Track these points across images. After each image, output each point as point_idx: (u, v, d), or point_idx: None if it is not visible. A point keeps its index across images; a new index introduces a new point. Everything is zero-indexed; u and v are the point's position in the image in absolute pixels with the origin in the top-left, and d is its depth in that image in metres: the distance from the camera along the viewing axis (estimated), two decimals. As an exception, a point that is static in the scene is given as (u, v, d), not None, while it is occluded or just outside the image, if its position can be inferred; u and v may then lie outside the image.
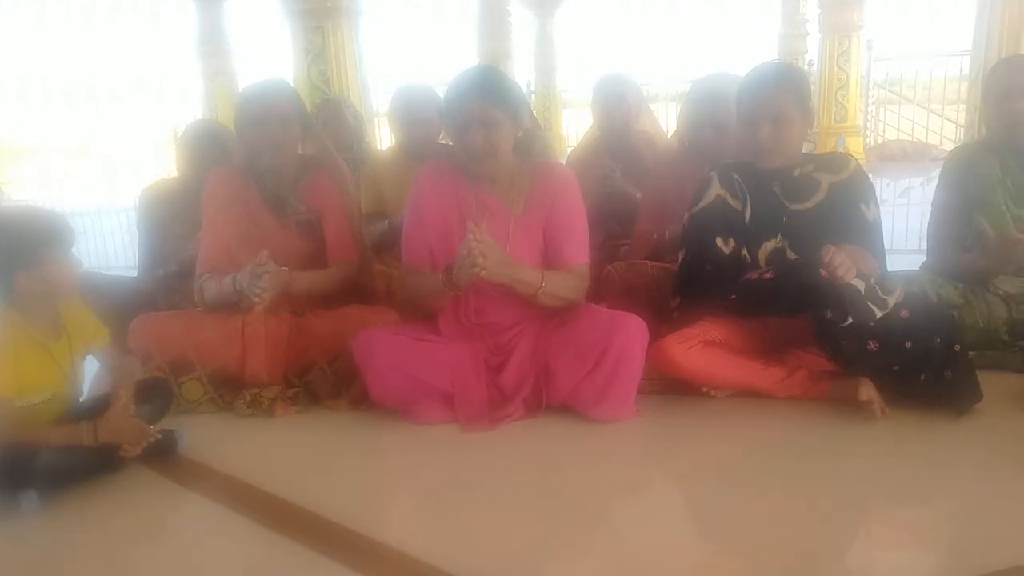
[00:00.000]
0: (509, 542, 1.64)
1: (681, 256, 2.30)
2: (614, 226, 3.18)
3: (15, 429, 1.88)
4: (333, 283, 2.57)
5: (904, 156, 8.81)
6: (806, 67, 9.32)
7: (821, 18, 8.14)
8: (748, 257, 2.22)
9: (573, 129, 10.55)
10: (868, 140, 9.27)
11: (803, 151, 2.31)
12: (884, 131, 9.67)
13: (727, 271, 2.18)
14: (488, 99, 2.14)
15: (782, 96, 2.13)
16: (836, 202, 2.20)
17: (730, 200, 2.21)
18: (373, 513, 1.79)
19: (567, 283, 2.23)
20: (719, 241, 2.19)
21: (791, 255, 2.20)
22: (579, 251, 2.28)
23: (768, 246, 2.22)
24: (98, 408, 2.01)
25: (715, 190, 2.22)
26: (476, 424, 2.17)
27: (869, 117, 9.38)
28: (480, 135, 2.14)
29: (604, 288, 2.65)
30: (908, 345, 1.99)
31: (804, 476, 1.85)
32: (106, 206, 8.04)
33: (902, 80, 9.45)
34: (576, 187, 2.33)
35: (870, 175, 2.31)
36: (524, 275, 2.14)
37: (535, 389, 2.22)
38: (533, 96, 9.97)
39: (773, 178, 2.22)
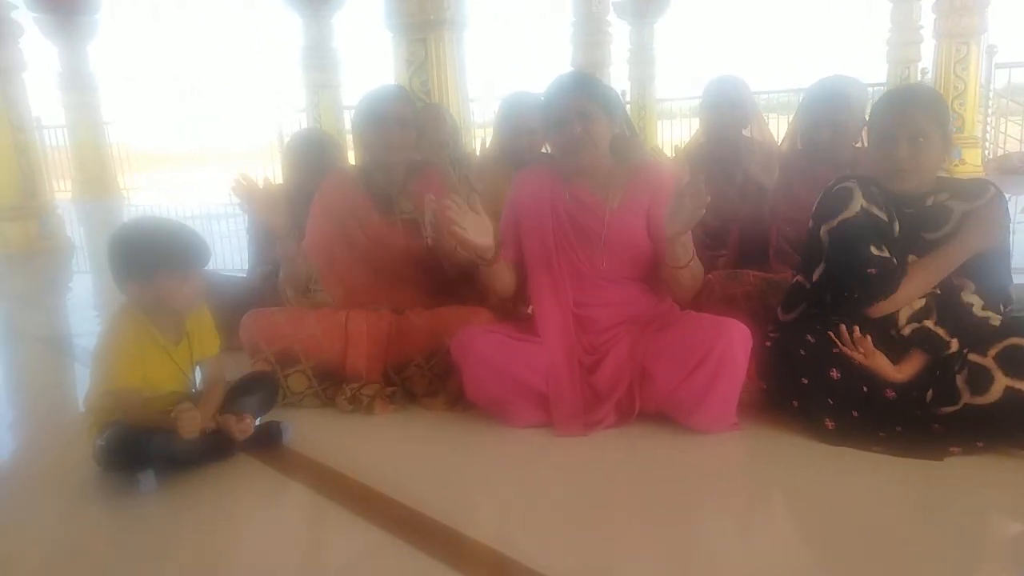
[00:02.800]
0: (598, 547, 1.62)
1: (820, 267, 2.17)
2: (714, 224, 3.10)
3: (136, 416, 2.00)
4: (470, 267, 2.59)
5: (1027, 169, 8.25)
6: (919, 76, 8.88)
7: (937, 23, 7.74)
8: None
9: (668, 139, 10.42)
10: (987, 152, 8.74)
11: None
12: (1005, 143, 9.09)
13: (889, 277, 2.03)
14: (584, 93, 2.21)
15: (924, 115, 2.02)
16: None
17: (875, 210, 2.08)
18: (465, 510, 1.81)
19: (699, 271, 2.25)
20: (874, 249, 2.04)
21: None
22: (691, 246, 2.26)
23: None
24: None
25: (859, 201, 2.08)
26: (569, 428, 2.16)
27: (988, 127, 8.84)
28: (578, 126, 2.19)
29: (703, 297, 2.60)
30: None
31: (925, 491, 1.75)
32: (219, 211, 8.48)
33: (1027, 88, 8.89)
34: (675, 185, 2.30)
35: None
36: (688, 245, 2.16)
37: (629, 393, 2.19)
38: (628, 106, 9.90)
39: (906, 204, 2.11)
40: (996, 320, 2.00)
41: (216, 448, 2.08)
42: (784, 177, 2.69)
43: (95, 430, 2.03)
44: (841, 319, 2.08)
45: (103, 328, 2.07)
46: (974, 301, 2.02)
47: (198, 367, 2.25)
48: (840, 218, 2.09)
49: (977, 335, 2.00)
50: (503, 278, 2.33)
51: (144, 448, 1.93)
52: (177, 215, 8.74)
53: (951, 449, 1.93)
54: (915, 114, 2.02)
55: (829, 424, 2.06)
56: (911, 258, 2.07)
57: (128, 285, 2.04)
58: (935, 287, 2.04)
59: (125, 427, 1.97)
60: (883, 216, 2.08)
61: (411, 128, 2.61)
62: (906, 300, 2.03)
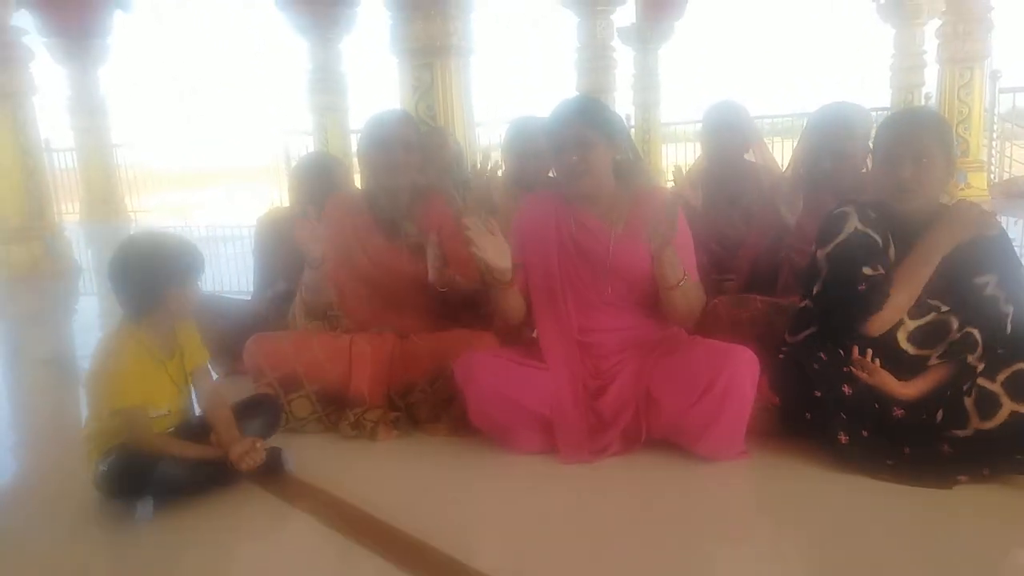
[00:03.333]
0: (609, 577, 1.59)
1: (817, 290, 2.18)
2: (719, 251, 3.10)
3: (156, 439, 2.00)
4: (475, 294, 2.64)
5: (1033, 193, 8.24)
6: (923, 100, 8.90)
7: (940, 49, 7.77)
8: None
9: (673, 163, 10.43)
10: (992, 176, 8.73)
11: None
12: (1010, 167, 9.08)
13: (880, 294, 2.04)
14: (583, 121, 2.21)
15: (928, 136, 2.03)
16: (967, 246, 2.05)
17: (871, 232, 2.11)
18: (469, 539, 1.79)
19: (696, 291, 2.24)
20: (867, 270, 2.07)
21: (933, 303, 2.06)
22: (691, 271, 2.25)
23: None
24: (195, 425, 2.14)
25: (853, 223, 2.11)
26: (574, 454, 2.14)
27: (994, 152, 8.84)
28: (575, 154, 2.19)
29: (709, 322, 2.58)
30: None
31: (936, 525, 1.72)
32: (225, 233, 8.51)
33: (1031, 113, 8.89)
34: (680, 211, 2.30)
35: (994, 213, 2.15)
36: (676, 261, 2.13)
37: (635, 420, 2.17)
38: (633, 130, 9.94)
39: (905, 229, 2.11)
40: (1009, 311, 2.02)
41: (218, 476, 2.06)
42: (786, 205, 2.68)
43: (96, 455, 2.01)
44: (845, 340, 2.08)
45: (100, 349, 2.06)
46: (998, 294, 2.03)
47: (191, 380, 2.23)
48: (835, 242, 2.13)
49: (997, 326, 2.01)
50: (516, 303, 2.31)
51: (147, 475, 1.91)
52: (184, 236, 8.77)
53: (959, 478, 1.91)
54: (919, 135, 2.03)
55: (843, 438, 2.02)
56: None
57: (141, 303, 2.03)
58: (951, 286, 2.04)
59: (128, 452, 1.95)
60: (877, 238, 2.10)
61: (415, 152, 2.62)
62: (897, 310, 2.04)
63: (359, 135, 2.73)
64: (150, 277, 2.01)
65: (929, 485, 1.90)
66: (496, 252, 2.15)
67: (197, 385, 2.21)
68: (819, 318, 2.19)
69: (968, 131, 7.75)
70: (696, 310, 2.27)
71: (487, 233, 2.14)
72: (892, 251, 2.11)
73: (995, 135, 8.81)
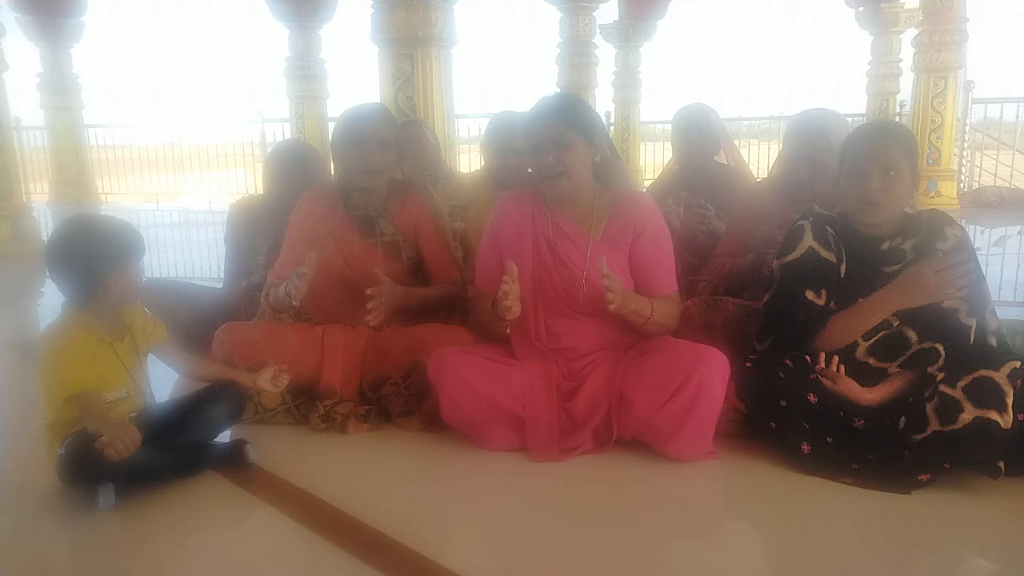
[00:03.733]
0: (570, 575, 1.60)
1: (767, 299, 2.23)
2: (692, 260, 3.12)
3: (106, 418, 1.93)
4: (442, 300, 2.65)
5: (1001, 203, 8.39)
6: (898, 108, 9.03)
7: (917, 58, 7.88)
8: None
9: (651, 162, 10.49)
10: (962, 185, 8.88)
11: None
12: (980, 176, 9.25)
13: (818, 323, 2.11)
14: (561, 120, 2.17)
15: (896, 149, 2.05)
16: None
17: (823, 252, 2.13)
18: (436, 536, 1.78)
19: (669, 311, 2.26)
20: (810, 294, 2.11)
21: (889, 318, 2.09)
22: (669, 280, 2.28)
23: None
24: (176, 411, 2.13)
25: (807, 242, 2.14)
26: (545, 453, 2.14)
27: (964, 161, 9.00)
28: (552, 155, 2.16)
29: (682, 324, 2.59)
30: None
31: (897, 526, 1.75)
32: (197, 218, 8.40)
33: (1001, 123, 9.04)
34: (660, 216, 2.31)
35: (963, 221, 2.19)
36: (639, 306, 2.15)
37: (607, 420, 2.17)
38: (612, 128, 9.96)
39: (862, 246, 2.14)
40: (971, 322, 2.05)
41: (182, 464, 2.04)
42: (760, 209, 2.69)
43: (56, 443, 1.98)
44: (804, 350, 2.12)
45: (45, 338, 2.01)
46: (958, 306, 2.06)
47: (159, 358, 2.23)
48: (789, 257, 2.16)
49: (957, 337, 2.05)
50: (504, 328, 2.29)
51: (105, 459, 1.87)
52: (157, 221, 8.65)
53: (920, 477, 1.94)
54: (887, 148, 2.06)
55: (805, 448, 2.06)
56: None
57: (97, 283, 1.99)
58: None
59: (86, 438, 1.90)
60: (831, 258, 2.12)
61: (391, 150, 2.57)
62: (836, 342, 2.09)
63: (333, 130, 2.67)
64: (87, 262, 1.98)
65: (891, 489, 1.93)
66: (518, 303, 2.11)
67: (167, 360, 2.21)
68: (763, 324, 2.23)
69: (940, 140, 7.87)
70: (672, 324, 2.29)
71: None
72: (843, 268, 2.13)
73: (966, 145, 8.95)
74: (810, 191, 2.53)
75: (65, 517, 1.90)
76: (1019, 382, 1.93)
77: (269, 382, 2.20)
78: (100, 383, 1.99)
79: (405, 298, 2.48)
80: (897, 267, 2.11)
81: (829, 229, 2.15)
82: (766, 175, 3.21)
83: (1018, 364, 1.97)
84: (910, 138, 2.15)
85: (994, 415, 1.88)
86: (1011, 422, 1.89)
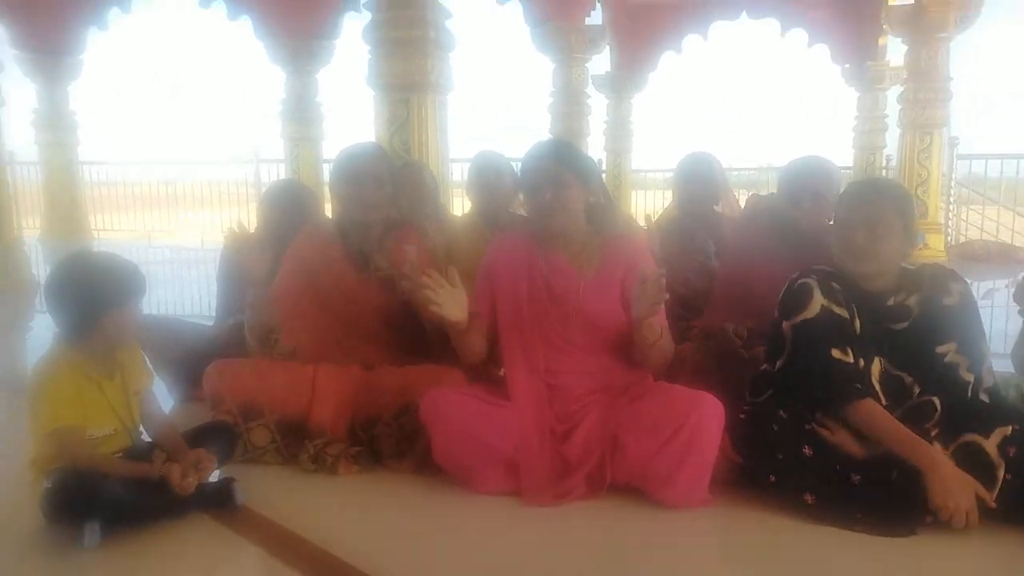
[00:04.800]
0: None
1: (782, 363, 2.18)
2: (687, 303, 3.14)
3: (88, 457, 1.93)
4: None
5: (988, 257, 8.50)
6: (884, 162, 9.19)
7: (902, 114, 8.05)
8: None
9: (642, 210, 10.60)
10: (949, 239, 9.01)
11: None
12: (966, 230, 9.39)
13: (854, 381, 2.06)
14: (558, 161, 2.25)
15: (884, 204, 2.08)
16: (931, 318, 2.11)
17: (836, 309, 2.11)
18: (429, 580, 1.74)
19: (668, 343, 2.28)
20: (836, 352, 2.07)
21: (898, 375, 2.10)
22: (661, 317, 2.27)
23: (877, 365, 2.12)
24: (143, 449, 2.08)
25: (818, 301, 2.11)
26: (538, 498, 2.12)
27: (951, 215, 9.14)
28: (549, 192, 2.22)
29: (676, 367, 2.60)
30: None
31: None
32: (190, 256, 8.38)
33: (986, 179, 9.22)
34: (649, 255, 2.35)
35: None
36: (656, 322, 2.17)
37: (600, 464, 2.15)
38: (604, 175, 10.09)
39: (868, 302, 2.14)
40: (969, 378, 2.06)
41: (170, 504, 1.99)
42: (761, 252, 2.71)
43: (40, 478, 1.94)
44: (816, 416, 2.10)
45: (35, 370, 2.00)
46: (959, 361, 2.08)
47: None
48: (802, 316, 2.13)
49: (955, 391, 2.06)
50: (476, 346, 2.32)
51: (94, 493, 1.84)
52: (149, 258, 8.62)
53: (926, 518, 1.91)
54: (875, 202, 2.09)
55: (808, 499, 2.03)
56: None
57: (76, 325, 1.98)
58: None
59: (70, 473, 1.89)
60: (844, 314, 2.11)
61: (387, 186, 2.61)
62: (865, 427, 2.03)
63: (331, 168, 2.71)
64: (86, 300, 1.96)
65: (897, 534, 1.91)
66: (452, 303, 2.16)
67: (142, 407, 2.16)
68: (782, 386, 2.20)
69: (927, 194, 7.99)
70: (667, 359, 2.30)
71: (445, 284, 2.15)
72: (857, 324, 2.12)
73: (952, 199, 9.11)
74: (814, 224, 2.55)
75: (49, 556, 1.86)
76: (1012, 451, 1.93)
77: (181, 476, 1.95)
78: (84, 420, 1.96)
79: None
80: (904, 324, 2.11)
81: (835, 285, 2.14)
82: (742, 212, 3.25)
83: (1009, 431, 1.96)
84: (902, 195, 2.16)
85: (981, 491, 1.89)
86: (994, 499, 1.89)
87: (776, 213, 2.71)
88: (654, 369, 2.31)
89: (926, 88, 7.77)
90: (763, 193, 3.30)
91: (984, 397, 2.09)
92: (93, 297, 1.96)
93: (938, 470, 1.89)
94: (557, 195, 2.22)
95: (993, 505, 1.89)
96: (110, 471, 1.91)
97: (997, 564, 1.84)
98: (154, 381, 2.21)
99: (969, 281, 2.20)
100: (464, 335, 2.27)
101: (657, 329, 2.19)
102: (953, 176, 8.96)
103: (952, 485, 1.87)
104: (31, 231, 9.49)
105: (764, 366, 2.29)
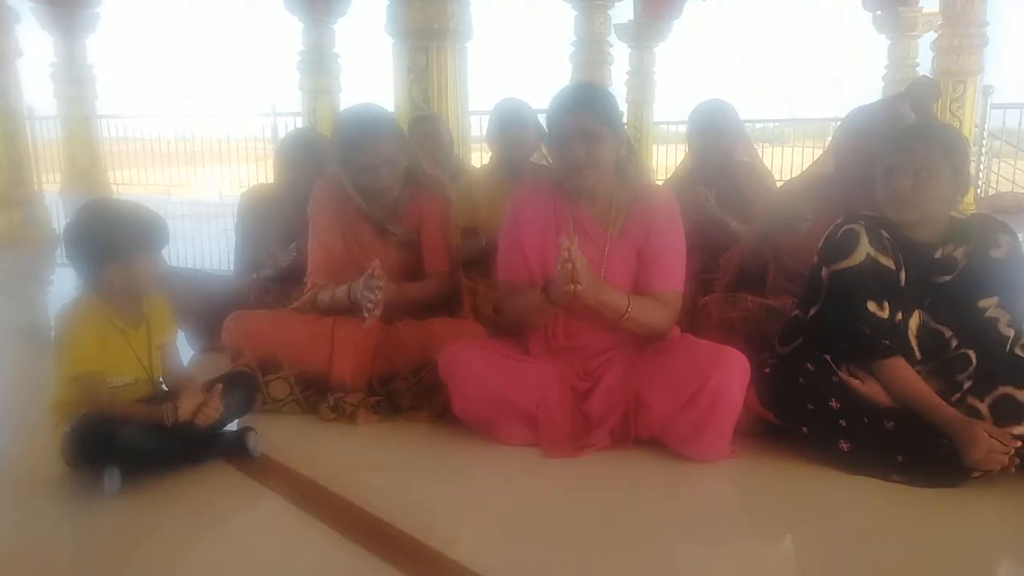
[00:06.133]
0: (581, 574, 1.56)
1: (815, 310, 2.11)
2: (709, 258, 3.07)
3: (106, 402, 1.94)
4: (428, 294, 2.59)
5: (1019, 210, 8.30)
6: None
7: (935, 62, 7.79)
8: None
9: (663, 164, 10.43)
10: (980, 192, 8.79)
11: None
12: (997, 183, 9.15)
13: (885, 337, 2.00)
14: (590, 111, 2.10)
15: (931, 149, 1.96)
16: (977, 270, 2.03)
17: (882, 259, 2.02)
18: (445, 528, 1.74)
19: (655, 311, 2.14)
20: (872, 305, 1.99)
21: (938, 328, 2.04)
22: (671, 277, 2.18)
23: (915, 319, 2.05)
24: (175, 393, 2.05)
25: (864, 247, 2.02)
26: (558, 450, 2.10)
27: (982, 167, 8.90)
28: (582, 148, 2.09)
29: (700, 321, 2.55)
30: None
31: (924, 528, 1.70)
32: (208, 210, 8.40)
33: (1020, 130, 8.94)
34: (676, 212, 2.24)
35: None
36: (611, 298, 2.07)
37: (623, 420, 2.12)
38: (625, 127, 9.89)
39: (915, 253, 2.05)
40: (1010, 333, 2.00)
41: (189, 451, 2.00)
42: (815, 203, 2.58)
43: (61, 424, 1.95)
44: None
45: (60, 317, 1.99)
46: (1000, 316, 2.01)
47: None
48: (844, 264, 2.04)
49: (993, 347, 2.00)
50: (551, 313, 2.17)
51: (112, 438, 1.85)
52: (168, 212, 8.64)
53: (973, 474, 1.87)
54: (922, 148, 1.98)
55: (844, 446, 1.99)
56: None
57: (103, 270, 1.95)
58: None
59: (90, 419, 1.89)
60: (890, 264, 2.02)
61: (401, 162, 2.49)
62: (889, 384, 1.98)
63: (336, 138, 2.53)
64: (100, 247, 1.94)
65: (938, 484, 1.88)
66: (588, 279, 1.97)
67: (163, 360, 2.14)
68: (813, 335, 2.13)
69: (958, 145, 7.79)
70: (660, 326, 2.17)
71: (583, 259, 1.94)
72: (903, 275, 2.04)
73: (984, 150, 8.86)
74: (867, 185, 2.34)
75: (69, 503, 1.87)
76: None
77: (190, 411, 1.95)
78: (107, 367, 1.97)
79: (393, 295, 2.38)
80: (948, 277, 2.04)
81: (884, 233, 2.05)
82: (792, 176, 3.13)
83: None
84: (953, 139, 2.03)
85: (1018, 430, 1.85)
86: None
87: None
88: (649, 336, 2.18)
89: (961, 34, 7.51)
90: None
91: (1021, 352, 2.02)
92: (105, 245, 1.94)
93: (964, 432, 1.84)
94: (590, 150, 2.09)
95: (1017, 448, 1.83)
96: (126, 416, 1.92)
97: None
98: (177, 335, 2.19)
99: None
100: (531, 305, 2.14)
101: (619, 306, 2.07)
102: (986, 126, 8.69)
103: (980, 443, 1.82)
104: (51, 185, 9.54)
105: (796, 312, 2.22)
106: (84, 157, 9.50)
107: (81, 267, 1.99)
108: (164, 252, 2.07)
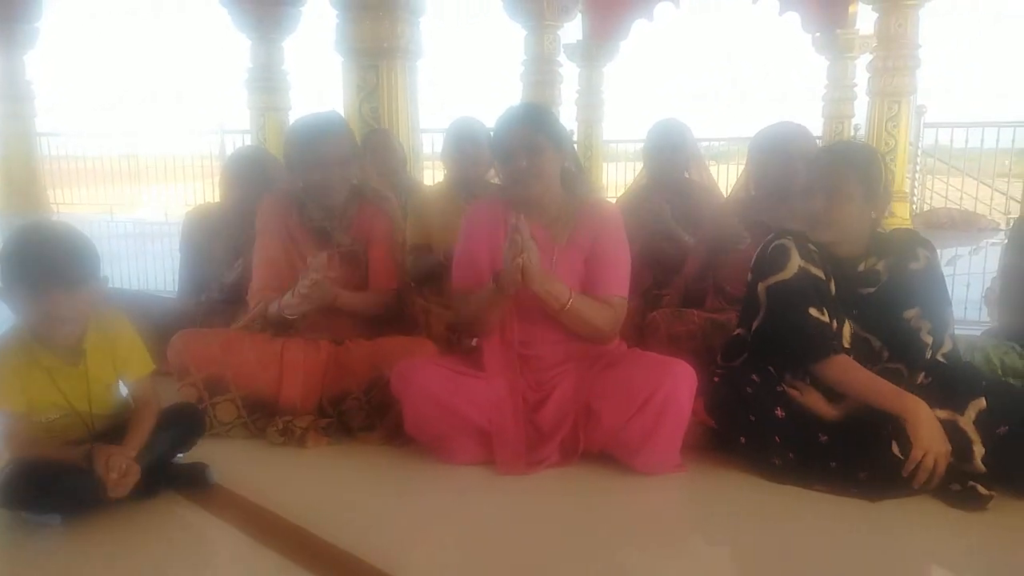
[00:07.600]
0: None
1: (758, 324, 2.17)
2: (660, 273, 3.13)
3: (27, 442, 1.84)
4: (371, 308, 2.57)
5: (952, 225, 8.63)
6: (852, 131, 9.24)
7: (871, 82, 8.08)
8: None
9: (613, 181, 10.57)
10: (915, 207, 9.12)
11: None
12: (931, 199, 9.51)
13: (830, 339, 2.06)
14: (532, 126, 2.19)
15: (844, 170, 2.05)
16: (899, 283, 2.12)
17: (813, 270, 2.09)
18: (400, 553, 1.72)
19: (598, 310, 2.19)
20: (813, 311, 2.05)
21: (866, 337, 2.12)
22: (616, 283, 2.24)
23: (847, 327, 2.12)
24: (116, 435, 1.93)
25: (796, 262, 2.09)
26: (511, 466, 2.10)
27: (916, 184, 9.24)
28: (524, 159, 2.17)
29: (649, 335, 2.59)
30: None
31: (875, 539, 1.74)
32: (152, 230, 8.20)
33: (951, 148, 9.32)
34: (621, 224, 2.32)
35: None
36: (555, 287, 2.12)
37: (573, 432, 2.14)
38: (576, 146, 9.99)
39: (839, 267, 2.13)
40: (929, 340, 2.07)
41: (134, 490, 1.88)
42: (733, 223, 2.69)
43: (-4, 465, 1.85)
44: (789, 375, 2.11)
45: None
46: (922, 326, 2.09)
47: (126, 390, 2.05)
48: (779, 278, 2.11)
49: (916, 357, 2.07)
50: (502, 307, 2.21)
51: (47, 487, 1.76)
52: (111, 232, 8.42)
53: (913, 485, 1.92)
54: (836, 169, 2.06)
55: (776, 461, 2.05)
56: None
57: (16, 302, 1.81)
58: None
59: (26, 464, 1.79)
60: (821, 275, 2.10)
61: (351, 165, 2.50)
62: (838, 382, 2.04)
63: (287, 141, 2.54)
64: (26, 277, 1.76)
65: (859, 496, 1.93)
66: (535, 261, 2.04)
67: (132, 395, 2.02)
68: (756, 348, 2.19)
69: (894, 162, 8.05)
70: (603, 326, 2.20)
71: (531, 240, 2.03)
72: (832, 286, 2.12)
73: (918, 168, 9.20)
74: (786, 202, 2.50)
75: (5, 537, 1.80)
76: (1001, 430, 1.92)
77: (106, 470, 1.79)
78: (29, 407, 1.85)
79: (332, 296, 2.38)
80: (872, 289, 2.11)
81: (811, 247, 2.12)
82: (733, 188, 3.24)
83: (983, 403, 1.95)
84: (866, 160, 2.09)
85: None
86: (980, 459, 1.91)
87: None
88: (591, 337, 2.22)
89: (895, 55, 7.80)
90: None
91: (941, 359, 2.09)
92: (32, 271, 1.76)
93: (919, 417, 1.91)
94: (532, 161, 2.17)
95: (980, 469, 1.90)
96: (44, 459, 1.81)
97: (960, 526, 1.86)
98: (148, 371, 2.04)
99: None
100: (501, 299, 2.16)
101: (561, 296, 2.11)
102: (920, 145, 9.04)
103: (933, 432, 1.90)
104: (-12, 205, 9.21)
105: (738, 330, 2.28)
106: (22, 176, 9.21)
107: (7, 298, 1.83)
108: (103, 276, 1.91)
